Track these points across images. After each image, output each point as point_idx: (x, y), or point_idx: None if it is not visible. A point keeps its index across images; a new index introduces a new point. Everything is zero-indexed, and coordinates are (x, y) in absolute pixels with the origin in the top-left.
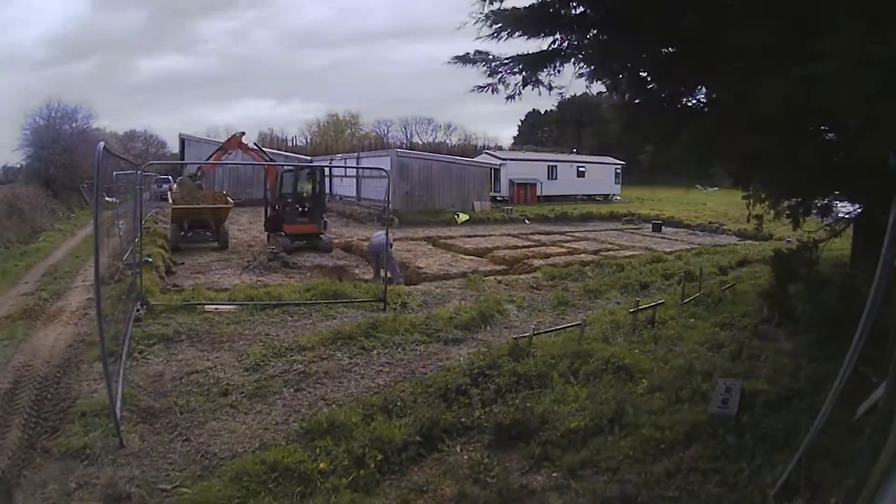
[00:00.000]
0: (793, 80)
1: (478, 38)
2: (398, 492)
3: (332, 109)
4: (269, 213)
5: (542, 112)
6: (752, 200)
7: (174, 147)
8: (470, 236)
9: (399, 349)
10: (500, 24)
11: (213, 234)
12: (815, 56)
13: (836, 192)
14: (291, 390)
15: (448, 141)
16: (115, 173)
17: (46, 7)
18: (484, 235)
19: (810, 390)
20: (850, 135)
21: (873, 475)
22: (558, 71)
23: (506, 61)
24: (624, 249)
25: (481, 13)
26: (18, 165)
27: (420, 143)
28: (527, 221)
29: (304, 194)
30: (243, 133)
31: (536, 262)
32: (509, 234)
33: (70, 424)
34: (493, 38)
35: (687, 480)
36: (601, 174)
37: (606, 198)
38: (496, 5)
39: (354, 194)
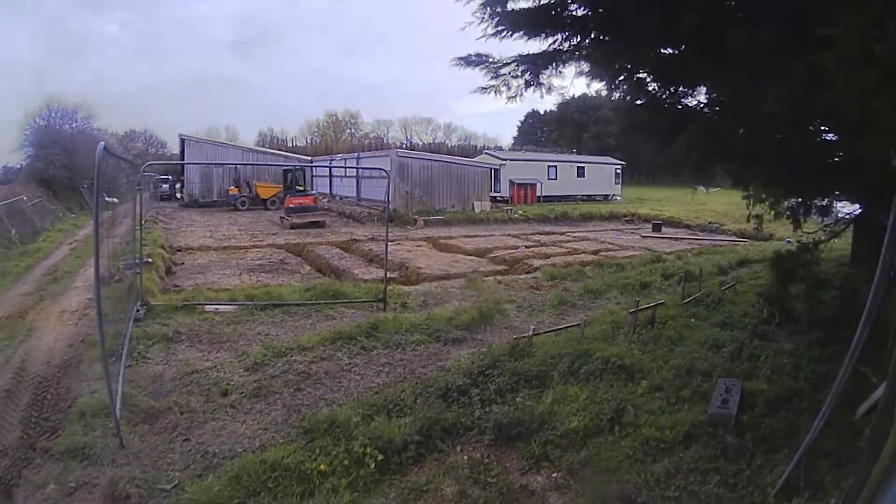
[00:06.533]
0: (793, 78)
1: (481, 36)
2: (398, 492)
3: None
4: None
5: (542, 112)
6: (752, 200)
7: (174, 147)
8: (470, 236)
9: (399, 349)
10: (502, 25)
11: None
12: (815, 50)
13: (837, 193)
14: (291, 390)
15: (448, 141)
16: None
17: None
18: (484, 236)
19: (810, 390)
20: (849, 135)
21: (873, 475)
22: (560, 71)
23: (508, 61)
24: (624, 249)
25: (484, 13)
26: (18, 166)
27: (420, 143)
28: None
29: None
30: None
31: (536, 263)
32: (509, 235)
33: (70, 424)
34: (496, 36)
35: (687, 480)
36: (601, 174)
37: (606, 198)
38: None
39: (354, 194)
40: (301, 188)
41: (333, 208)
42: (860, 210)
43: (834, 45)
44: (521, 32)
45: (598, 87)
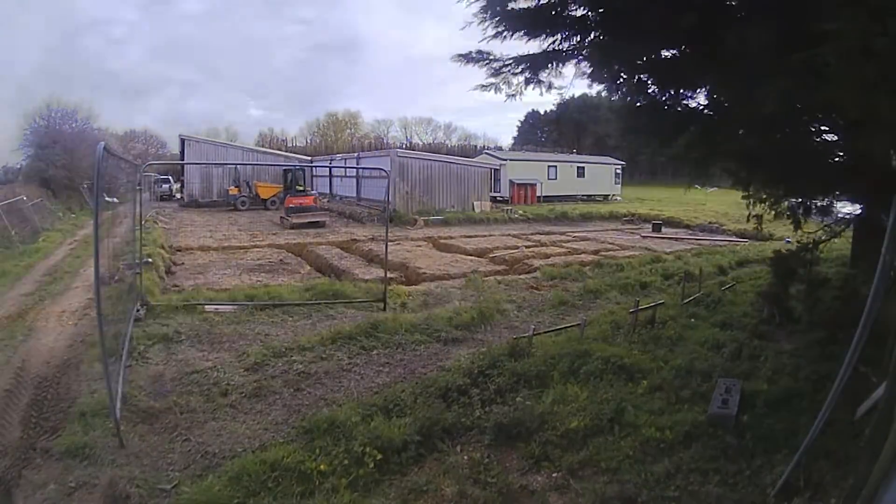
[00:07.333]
0: (792, 74)
1: (483, 38)
2: (398, 492)
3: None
4: None
5: (542, 113)
6: (751, 200)
7: (174, 147)
8: (470, 236)
9: (399, 349)
10: (503, 26)
11: None
12: (815, 45)
13: (837, 193)
14: (291, 390)
15: (448, 141)
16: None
17: None
18: (484, 236)
19: (810, 390)
20: (849, 133)
21: (873, 475)
22: (559, 71)
23: (508, 62)
24: (624, 249)
25: (485, 14)
26: (18, 166)
27: (420, 143)
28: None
29: None
30: None
31: (536, 263)
32: (509, 235)
33: (70, 424)
34: (497, 37)
35: (687, 480)
36: (601, 174)
37: (606, 198)
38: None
39: (354, 194)
40: (301, 188)
41: (333, 208)
42: (860, 210)
43: (833, 40)
44: (522, 33)
45: (598, 88)
